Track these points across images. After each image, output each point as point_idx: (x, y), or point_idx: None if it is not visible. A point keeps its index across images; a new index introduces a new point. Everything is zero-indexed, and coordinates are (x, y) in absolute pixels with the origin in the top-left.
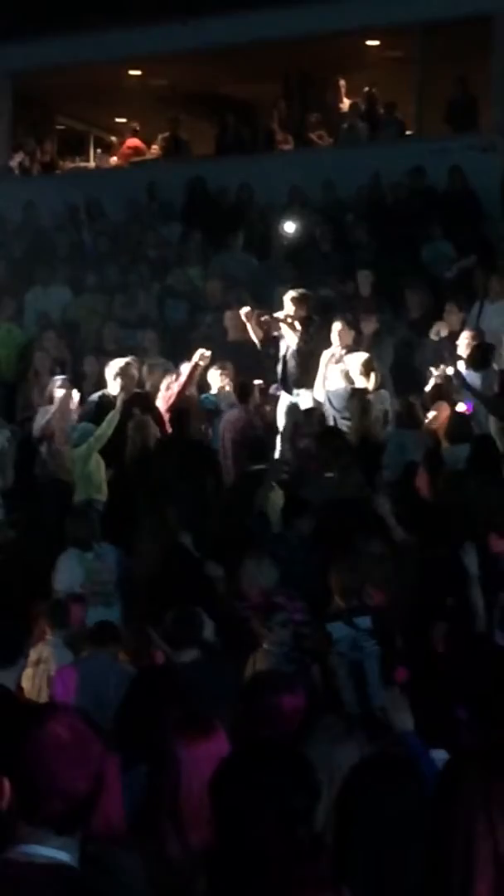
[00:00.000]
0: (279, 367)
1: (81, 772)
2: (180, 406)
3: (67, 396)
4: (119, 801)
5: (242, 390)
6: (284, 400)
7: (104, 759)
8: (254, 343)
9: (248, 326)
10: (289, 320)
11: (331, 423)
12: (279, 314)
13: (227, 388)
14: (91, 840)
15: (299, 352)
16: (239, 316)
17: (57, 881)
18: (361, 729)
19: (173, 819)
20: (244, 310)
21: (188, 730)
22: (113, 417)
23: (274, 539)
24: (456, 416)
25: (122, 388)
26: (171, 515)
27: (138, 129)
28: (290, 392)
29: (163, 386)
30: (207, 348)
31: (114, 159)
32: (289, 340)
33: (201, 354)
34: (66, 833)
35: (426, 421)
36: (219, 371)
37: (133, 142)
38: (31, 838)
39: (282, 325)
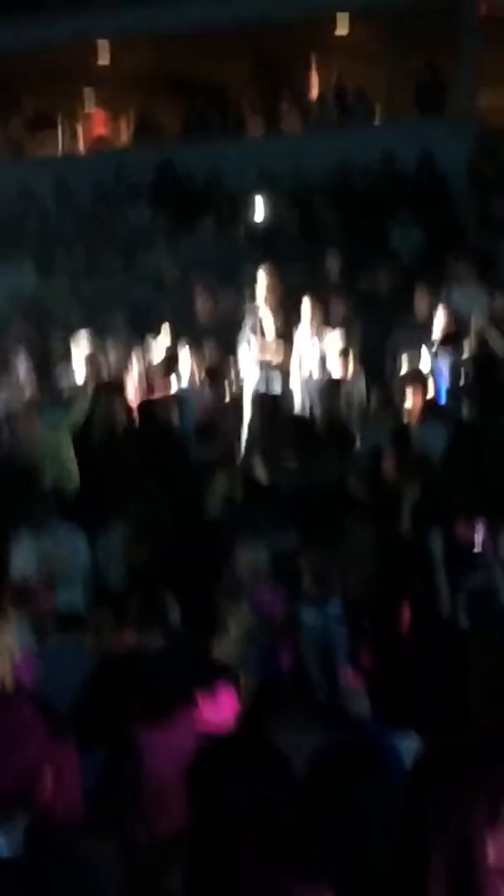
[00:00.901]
0: (244, 351)
1: (11, 762)
2: (149, 390)
3: (30, 378)
4: (77, 788)
5: (212, 374)
6: (248, 385)
7: (47, 749)
8: (222, 326)
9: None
10: (262, 304)
11: (304, 407)
12: (249, 297)
13: (197, 371)
14: (46, 827)
15: (270, 336)
16: (207, 297)
17: None
18: (326, 717)
19: (136, 806)
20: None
21: (150, 717)
22: (84, 406)
23: (245, 524)
24: (430, 398)
25: (90, 376)
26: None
27: (102, 109)
28: (258, 377)
29: (134, 368)
30: (176, 330)
31: (76, 138)
32: (258, 324)
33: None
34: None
35: (400, 406)
36: (188, 354)
37: (97, 124)
38: None
39: (253, 308)
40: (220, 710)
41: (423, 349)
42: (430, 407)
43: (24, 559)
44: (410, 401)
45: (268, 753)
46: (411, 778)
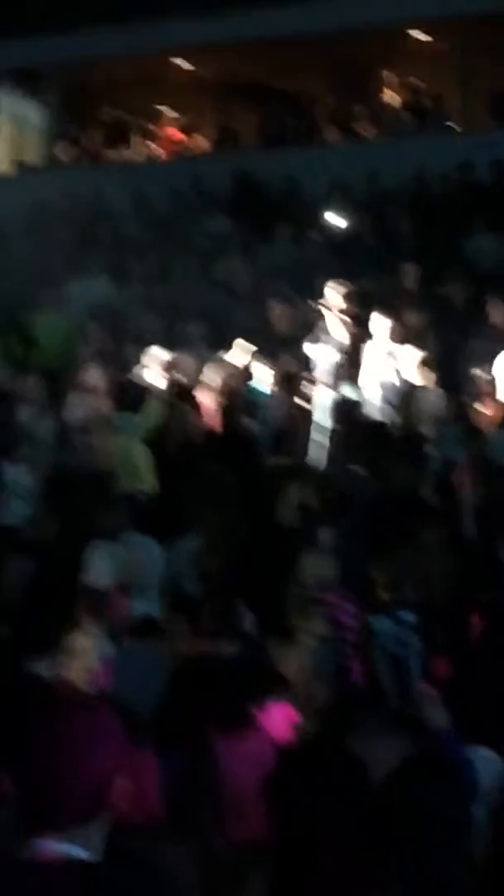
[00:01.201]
0: (319, 360)
1: (88, 767)
2: (227, 398)
3: (103, 386)
4: (156, 794)
5: (284, 381)
6: (323, 394)
7: (124, 755)
8: (298, 335)
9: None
10: (333, 314)
11: (380, 417)
12: (323, 307)
13: (272, 379)
14: (126, 833)
15: (345, 345)
16: (284, 308)
17: (71, 878)
18: (403, 726)
19: (214, 811)
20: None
21: (227, 724)
22: (155, 408)
23: (316, 533)
24: (501, 405)
25: (165, 380)
26: (233, 508)
27: (179, 119)
28: (332, 386)
29: (209, 376)
30: (251, 340)
31: (153, 146)
32: (334, 333)
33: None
34: (79, 828)
35: (473, 415)
36: (263, 362)
37: (174, 133)
38: (42, 835)
39: (328, 317)
40: (278, 720)
41: (498, 358)
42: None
43: (99, 568)
44: (484, 410)
45: (347, 762)
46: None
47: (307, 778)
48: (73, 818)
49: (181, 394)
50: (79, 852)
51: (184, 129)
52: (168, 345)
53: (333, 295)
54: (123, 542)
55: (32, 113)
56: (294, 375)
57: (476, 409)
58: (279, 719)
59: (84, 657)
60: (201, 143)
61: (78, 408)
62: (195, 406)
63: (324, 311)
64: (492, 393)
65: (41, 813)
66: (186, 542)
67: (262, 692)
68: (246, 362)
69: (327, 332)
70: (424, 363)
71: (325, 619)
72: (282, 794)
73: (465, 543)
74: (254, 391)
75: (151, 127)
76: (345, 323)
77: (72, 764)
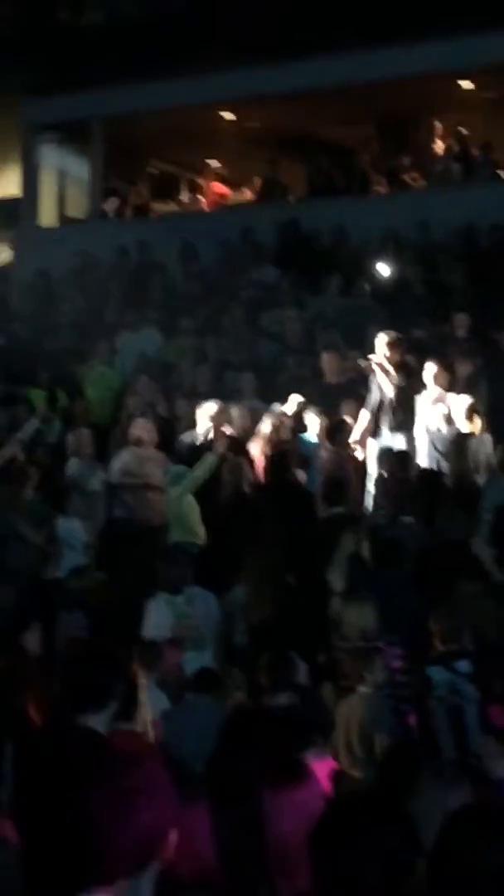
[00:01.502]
0: (371, 411)
1: (136, 820)
2: (279, 449)
3: (151, 438)
4: (207, 849)
5: (333, 430)
6: (375, 444)
7: (174, 808)
8: (349, 385)
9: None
10: (383, 364)
11: (431, 465)
12: (373, 357)
13: (323, 430)
14: (177, 888)
15: (395, 395)
16: (335, 358)
17: None
18: (461, 776)
19: (261, 867)
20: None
21: (278, 778)
22: (211, 462)
23: (370, 582)
24: None
25: (217, 433)
26: (278, 559)
27: (224, 172)
28: (384, 436)
29: (260, 428)
30: (302, 391)
31: (200, 199)
32: (382, 384)
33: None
34: (128, 881)
35: None
36: (314, 413)
37: (219, 187)
38: (92, 888)
39: (376, 368)
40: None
41: None
42: None
43: (158, 621)
44: None
45: (395, 818)
46: None
47: (350, 834)
48: (122, 872)
49: (233, 446)
50: None
51: (230, 182)
52: (218, 397)
53: (384, 345)
54: (184, 595)
55: (79, 166)
56: (345, 425)
57: None
58: (322, 772)
59: (141, 710)
60: (248, 195)
61: (128, 462)
62: (247, 458)
63: (374, 361)
64: None
65: (91, 866)
66: (234, 594)
67: (297, 744)
68: (297, 413)
69: (378, 382)
70: (475, 411)
71: (381, 666)
72: (323, 851)
73: None
74: (305, 442)
75: (198, 180)
76: (395, 372)
77: (120, 817)
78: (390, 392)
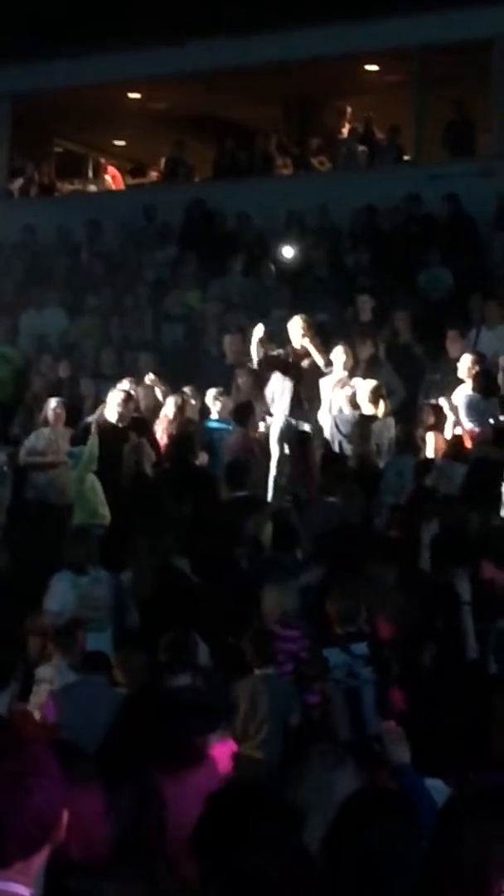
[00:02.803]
0: (274, 392)
1: (23, 806)
2: (181, 431)
3: (61, 419)
4: (101, 829)
5: (240, 413)
6: (277, 424)
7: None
8: (251, 366)
9: (255, 345)
10: (291, 344)
11: (335, 448)
12: (296, 338)
13: (222, 412)
14: (70, 869)
15: (300, 376)
16: (237, 340)
17: None
18: (354, 757)
19: (158, 850)
20: (258, 329)
21: (173, 762)
22: (93, 442)
23: (270, 565)
24: (454, 436)
25: (120, 413)
26: (167, 540)
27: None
28: (287, 418)
29: (165, 410)
30: (206, 372)
31: (106, 179)
32: (288, 364)
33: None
34: (20, 863)
35: (424, 445)
36: (216, 395)
37: (112, 171)
38: None
39: (304, 347)
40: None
41: (452, 390)
42: (454, 446)
43: (62, 599)
44: (435, 440)
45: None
46: (437, 823)
47: (229, 825)
48: (14, 854)
49: (137, 427)
50: (19, 889)
51: (136, 162)
52: (123, 378)
53: (300, 327)
54: (88, 575)
55: None
56: (249, 407)
57: (429, 440)
58: (220, 754)
59: (47, 687)
60: (153, 175)
61: (35, 441)
62: (151, 439)
63: (277, 342)
64: (444, 424)
65: None
66: (127, 574)
67: (200, 727)
68: (199, 393)
69: (281, 364)
70: (380, 394)
71: (280, 651)
72: (205, 841)
73: (418, 574)
74: (209, 424)
75: (103, 160)
76: (299, 354)
77: (10, 800)
78: (295, 373)
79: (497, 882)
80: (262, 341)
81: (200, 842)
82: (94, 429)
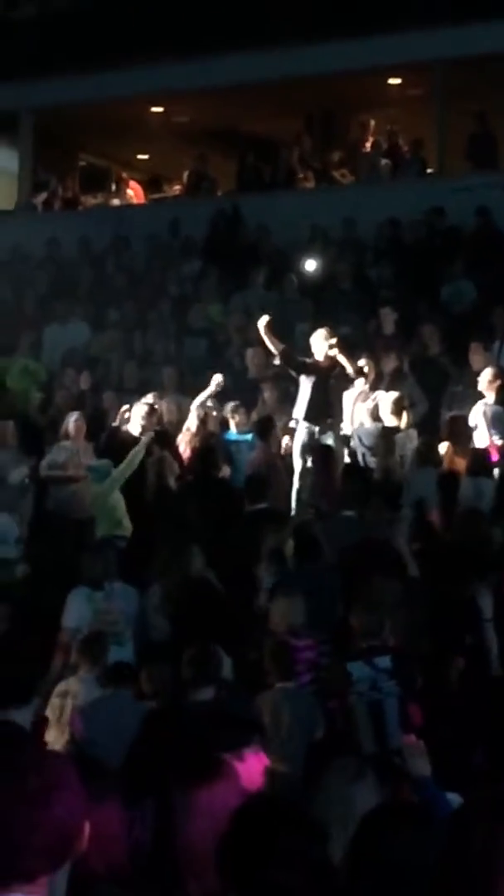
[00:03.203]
0: (297, 405)
1: (42, 820)
2: (205, 444)
3: (81, 432)
4: (121, 843)
5: (262, 427)
6: (301, 436)
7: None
8: (276, 379)
9: (267, 340)
10: (314, 357)
11: (359, 460)
12: (319, 350)
13: (241, 425)
14: (90, 881)
15: (323, 389)
16: (259, 353)
17: None
18: (375, 770)
19: (180, 864)
20: (262, 320)
21: (192, 776)
22: (135, 455)
23: (292, 577)
24: (477, 450)
25: (144, 427)
26: (194, 552)
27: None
28: (310, 430)
29: (189, 423)
30: (229, 385)
31: (129, 193)
32: (311, 378)
33: (217, 382)
34: (44, 878)
35: (448, 459)
36: (233, 409)
37: (133, 186)
38: (7, 886)
39: (328, 359)
40: (253, 769)
41: (474, 403)
42: (478, 460)
43: (78, 615)
44: (459, 453)
45: (298, 821)
46: (447, 828)
47: (256, 839)
48: (37, 869)
49: (160, 441)
50: None
51: (159, 175)
52: (146, 391)
53: (312, 340)
54: (104, 590)
55: (8, 158)
56: (270, 421)
57: (451, 454)
58: (253, 768)
59: (73, 701)
60: (178, 188)
61: (56, 455)
62: (174, 453)
63: (300, 355)
64: (468, 437)
65: (9, 865)
66: (152, 589)
67: (235, 740)
68: (222, 407)
69: (305, 376)
70: (402, 406)
71: (298, 661)
72: (230, 855)
73: (441, 587)
74: (231, 437)
75: (126, 174)
76: (322, 367)
77: (33, 815)
78: (318, 386)
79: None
80: (268, 326)
81: (224, 855)
82: (142, 444)
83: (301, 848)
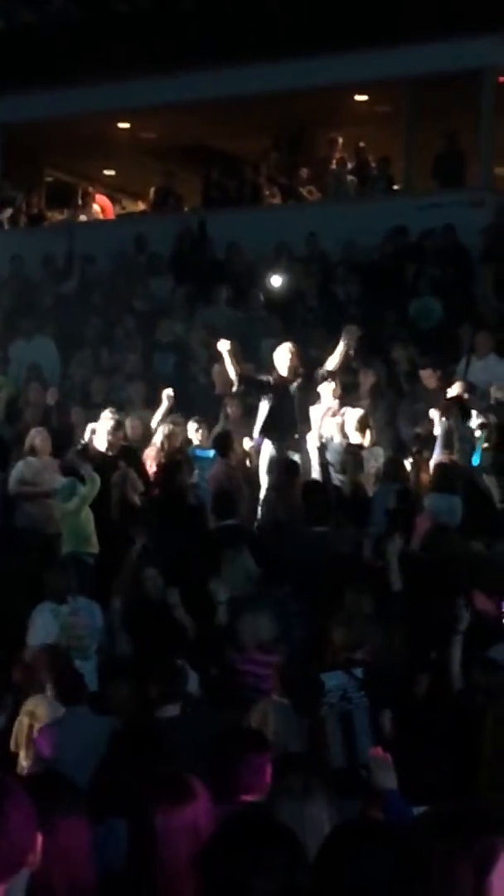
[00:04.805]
0: (262, 421)
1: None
2: (170, 460)
3: (46, 448)
4: (85, 861)
5: (221, 443)
6: (266, 454)
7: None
8: (241, 396)
9: (228, 362)
10: (280, 373)
11: (323, 476)
12: (282, 365)
13: (204, 441)
14: None
15: (289, 405)
16: (224, 370)
17: None
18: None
19: (147, 888)
20: (223, 344)
21: (165, 797)
22: (96, 477)
23: (257, 595)
24: (441, 466)
25: (111, 443)
26: (149, 576)
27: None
28: (275, 446)
29: (154, 438)
30: (195, 401)
31: (95, 209)
32: (277, 394)
33: (168, 396)
34: None
35: (412, 474)
36: (196, 425)
37: (101, 200)
38: None
39: (271, 377)
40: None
41: (440, 419)
42: (443, 473)
43: (44, 630)
44: (423, 469)
45: (282, 836)
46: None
47: (232, 854)
48: None
49: (126, 457)
50: None
51: (125, 192)
52: (113, 407)
53: (276, 355)
54: (69, 605)
55: None
56: (228, 437)
57: (415, 469)
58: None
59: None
60: (143, 205)
61: (23, 471)
62: (140, 469)
63: (266, 371)
64: (429, 451)
65: None
66: (116, 603)
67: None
68: (189, 423)
69: (270, 393)
70: (366, 424)
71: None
72: (209, 871)
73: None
74: (196, 453)
75: (94, 189)
76: (286, 381)
77: None
78: (284, 402)
79: None
80: (231, 350)
81: (205, 869)
82: (107, 461)
83: (282, 862)
